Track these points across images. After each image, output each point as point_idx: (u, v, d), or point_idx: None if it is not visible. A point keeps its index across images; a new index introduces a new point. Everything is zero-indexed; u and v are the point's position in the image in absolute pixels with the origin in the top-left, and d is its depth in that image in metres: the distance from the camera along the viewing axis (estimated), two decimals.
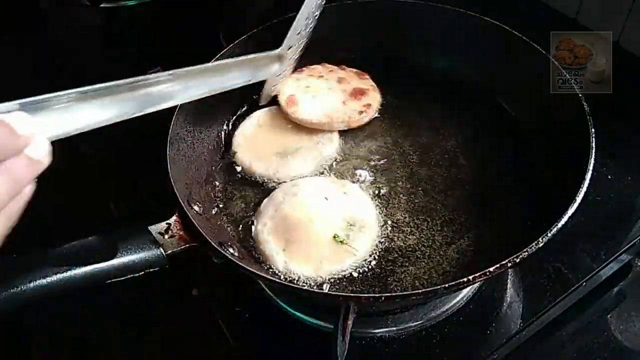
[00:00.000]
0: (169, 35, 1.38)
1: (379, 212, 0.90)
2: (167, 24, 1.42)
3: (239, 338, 0.88)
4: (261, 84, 1.00)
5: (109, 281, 0.71)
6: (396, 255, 0.85)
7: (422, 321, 0.86)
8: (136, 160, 1.11)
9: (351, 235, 0.85)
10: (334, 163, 0.99)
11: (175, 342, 0.90)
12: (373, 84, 1.09)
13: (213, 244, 0.74)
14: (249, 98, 1.09)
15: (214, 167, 1.00)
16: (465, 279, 0.67)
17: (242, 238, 0.89)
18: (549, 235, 0.69)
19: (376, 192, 0.94)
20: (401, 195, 0.93)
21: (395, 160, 0.99)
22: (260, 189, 0.96)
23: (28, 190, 0.52)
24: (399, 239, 0.87)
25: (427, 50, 1.13)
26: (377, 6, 1.13)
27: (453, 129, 1.04)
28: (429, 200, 0.92)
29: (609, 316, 0.91)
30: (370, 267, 0.83)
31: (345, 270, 0.83)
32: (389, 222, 0.89)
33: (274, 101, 1.06)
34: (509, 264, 0.67)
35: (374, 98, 1.06)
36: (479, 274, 0.67)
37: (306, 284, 0.81)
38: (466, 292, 0.89)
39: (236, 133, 1.04)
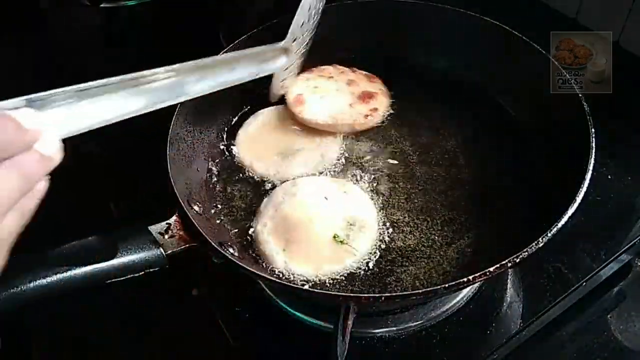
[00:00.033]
0: (169, 35, 1.38)
1: (379, 212, 0.90)
2: (167, 24, 1.42)
3: (239, 338, 0.88)
4: (261, 84, 1.00)
5: (109, 281, 0.71)
6: (396, 255, 0.85)
7: (422, 321, 0.86)
8: (136, 160, 1.11)
9: (351, 235, 0.85)
10: (334, 163, 0.99)
11: (175, 342, 0.90)
12: (382, 87, 1.08)
13: (213, 244, 0.74)
14: (249, 98, 1.09)
15: (214, 167, 1.00)
16: (465, 279, 0.67)
17: (242, 238, 0.89)
18: (549, 235, 0.70)
19: (376, 192, 0.94)
20: (401, 195, 0.93)
21: (395, 160, 0.99)
22: (260, 189, 0.96)
23: (41, 187, 0.52)
24: (399, 238, 0.87)
25: (427, 50, 1.13)
26: (377, 6, 1.13)
27: (453, 129, 1.04)
28: (429, 200, 0.92)
29: (609, 316, 0.91)
30: (370, 267, 0.83)
31: (345, 270, 0.83)
32: (389, 222, 0.89)
33: (280, 100, 1.05)
34: (509, 264, 0.68)
35: (382, 102, 1.05)
36: (479, 274, 0.67)
37: (306, 284, 0.81)
38: (466, 292, 0.89)
39: (239, 131, 1.04)
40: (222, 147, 1.04)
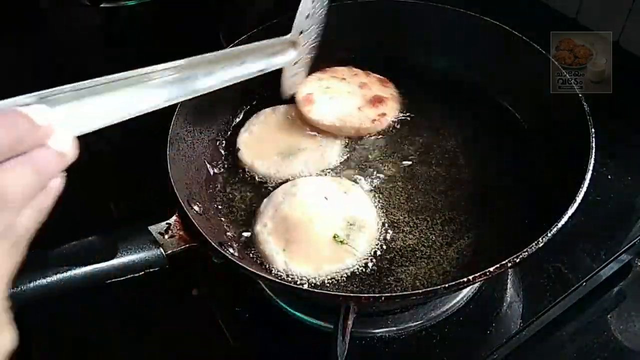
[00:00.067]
0: (169, 35, 1.38)
1: (379, 212, 0.90)
2: (167, 24, 1.42)
3: (239, 338, 0.88)
4: (261, 84, 1.00)
5: (109, 281, 0.71)
6: (396, 255, 0.85)
7: (422, 321, 0.86)
8: (136, 160, 1.11)
9: (351, 235, 0.85)
10: (335, 163, 0.99)
11: (175, 342, 0.90)
12: (394, 93, 1.07)
13: (213, 244, 0.74)
14: (249, 98, 1.09)
15: (214, 167, 1.00)
16: (465, 279, 0.67)
17: (242, 238, 0.89)
18: (549, 235, 0.70)
19: (376, 191, 0.94)
20: (401, 195, 0.93)
21: (396, 160, 0.99)
22: (260, 189, 0.96)
23: (57, 184, 0.51)
24: (399, 238, 0.87)
25: (427, 50, 1.13)
26: (377, 6, 1.13)
27: (453, 129, 1.04)
28: (428, 200, 0.92)
29: (609, 316, 0.91)
30: (370, 267, 0.83)
31: (345, 270, 0.83)
32: (389, 222, 0.89)
33: (280, 100, 1.05)
34: (509, 264, 0.68)
35: (391, 108, 1.04)
36: (479, 274, 0.67)
37: (306, 284, 0.81)
38: (466, 292, 0.89)
39: (240, 131, 1.04)
40: (222, 147, 1.04)
